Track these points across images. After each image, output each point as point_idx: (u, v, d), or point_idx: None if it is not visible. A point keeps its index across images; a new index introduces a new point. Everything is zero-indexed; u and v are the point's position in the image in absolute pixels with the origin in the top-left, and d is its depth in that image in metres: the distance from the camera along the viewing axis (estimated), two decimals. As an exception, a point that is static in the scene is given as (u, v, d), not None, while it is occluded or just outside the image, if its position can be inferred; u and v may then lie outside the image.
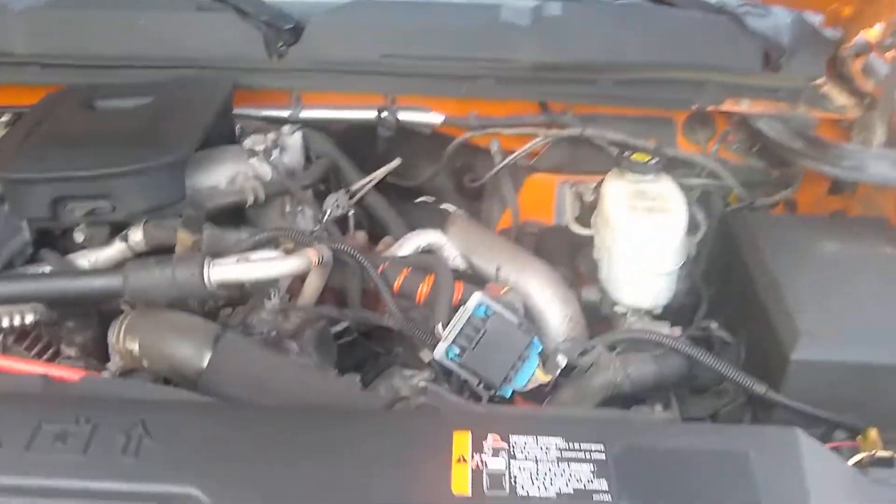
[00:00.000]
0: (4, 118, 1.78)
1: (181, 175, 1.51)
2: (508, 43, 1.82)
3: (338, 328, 1.46)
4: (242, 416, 1.06)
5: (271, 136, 1.63)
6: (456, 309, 1.40)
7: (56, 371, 1.14)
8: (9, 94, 1.83)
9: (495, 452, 0.97)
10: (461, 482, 0.93)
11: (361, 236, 1.70)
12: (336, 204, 1.59)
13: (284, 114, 1.83)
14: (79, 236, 1.52)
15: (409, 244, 1.63)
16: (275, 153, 1.63)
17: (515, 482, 0.94)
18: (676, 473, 0.95)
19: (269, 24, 1.86)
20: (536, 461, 0.96)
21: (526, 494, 0.92)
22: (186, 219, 1.39)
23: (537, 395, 1.44)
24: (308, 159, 1.74)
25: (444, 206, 1.85)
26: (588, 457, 0.97)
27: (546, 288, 1.61)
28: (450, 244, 1.66)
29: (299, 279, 1.46)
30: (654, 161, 1.63)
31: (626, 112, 1.84)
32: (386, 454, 0.98)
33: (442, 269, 1.48)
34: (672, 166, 1.70)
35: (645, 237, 1.53)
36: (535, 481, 0.94)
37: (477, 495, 0.92)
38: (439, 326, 1.39)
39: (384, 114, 1.81)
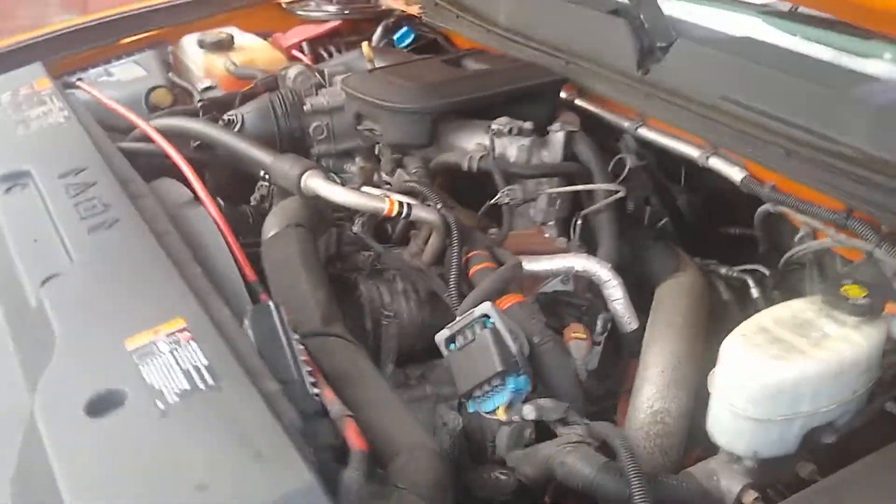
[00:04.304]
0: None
1: (427, 125, 1.74)
2: (837, 118, 1.48)
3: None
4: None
5: (526, 124, 1.71)
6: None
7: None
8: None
9: (174, 341, 1.07)
10: (135, 341, 1.09)
11: (559, 241, 1.67)
12: (507, 194, 1.60)
13: (623, 123, 1.85)
14: None
15: (560, 262, 1.56)
16: (524, 141, 1.70)
17: (152, 362, 1.05)
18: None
19: (650, 38, 1.86)
20: (177, 361, 1.04)
21: (142, 375, 1.03)
22: (362, 149, 1.65)
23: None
24: (570, 159, 1.75)
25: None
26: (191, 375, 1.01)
27: (657, 366, 1.40)
28: (616, 283, 1.52)
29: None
30: (866, 299, 1.21)
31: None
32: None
33: (497, 275, 1.41)
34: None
35: (741, 372, 1.19)
36: (158, 371, 1.03)
37: (126, 353, 1.06)
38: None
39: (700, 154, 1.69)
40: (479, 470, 1.37)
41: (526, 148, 1.70)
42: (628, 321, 1.53)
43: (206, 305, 1.16)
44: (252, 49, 2.39)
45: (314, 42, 2.57)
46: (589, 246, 1.71)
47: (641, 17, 1.87)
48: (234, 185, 1.98)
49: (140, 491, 0.88)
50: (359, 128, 1.84)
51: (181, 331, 1.09)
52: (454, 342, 1.36)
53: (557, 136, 1.72)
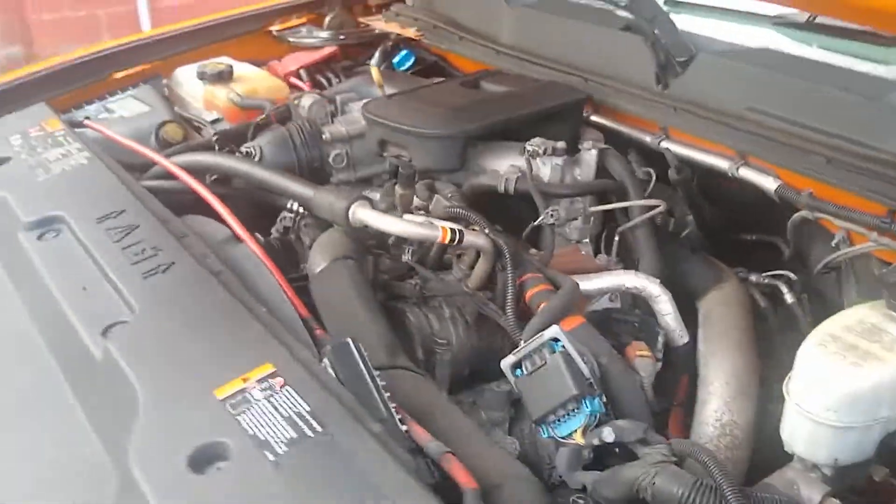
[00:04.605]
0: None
1: (459, 150, 1.73)
2: (870, 126, 1.51)
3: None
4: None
5: (560, 144, 1.71)
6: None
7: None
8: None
9: (267, 388, 1.05)
10: (224, 390, 1.05)
11: (600, 259, 1.67)
12: (550, 214, 1.60)
13: (646, 138, 1.86)
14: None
15: (611, 279, 1.55)
16: (558, 161, 1.70)
17: (249, 411, 1.01)
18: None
19: (667, 53, 1.88)
20: (276, 408, 1.01)
21: (242, 425, 1.00)
22: (401, 176, 1.63)
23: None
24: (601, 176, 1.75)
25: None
26: (296, 423, 0.98)
27: (720, 379, 1.40)
28: (666, 299, 1.52)
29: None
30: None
31: None
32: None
33: (559, 297, 1.41)
34: None
35: (821, 380, 1.20)
36: (258, 420, 1.00)
37: (218, 403, 1.03)
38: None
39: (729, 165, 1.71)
40: (554, 495, 1.35)
41: (559, 167, 1.70)
42: (679, 335, 1.53)
43: (288, 347, 1.13)
44: (252, 79, 2.34)
45: (311, 69, 2.53)
46: (624, 261, 1.71)
47: (656, 32, 1.88)
48: (252, 217, 1.94)
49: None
50: (385, 155, 1.82)
51: (272, 376, 1.06)
52: (520, 368, 1.35)
53: (590, 154, 1.72)
